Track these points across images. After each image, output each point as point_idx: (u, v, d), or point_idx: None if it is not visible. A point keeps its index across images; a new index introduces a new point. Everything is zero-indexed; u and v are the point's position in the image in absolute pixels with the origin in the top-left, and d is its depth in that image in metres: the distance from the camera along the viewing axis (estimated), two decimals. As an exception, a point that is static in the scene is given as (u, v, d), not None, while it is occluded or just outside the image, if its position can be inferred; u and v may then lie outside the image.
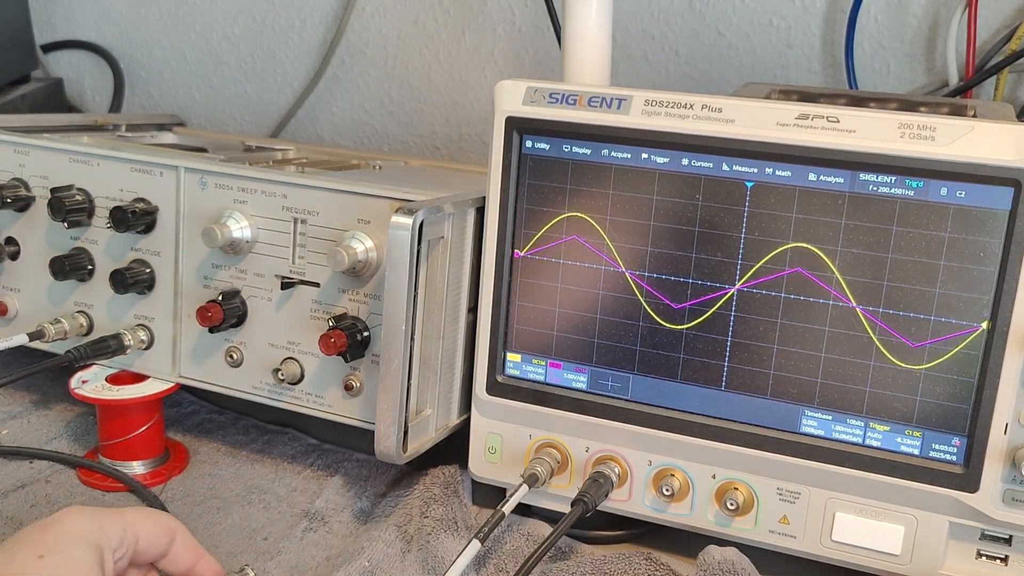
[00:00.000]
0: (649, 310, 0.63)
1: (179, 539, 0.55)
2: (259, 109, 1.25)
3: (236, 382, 0.73)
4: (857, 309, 0.58)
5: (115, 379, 0.75)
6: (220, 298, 0.71)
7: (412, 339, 0.63)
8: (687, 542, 0.66)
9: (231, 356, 0.73)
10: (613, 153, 0.62)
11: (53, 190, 0.75)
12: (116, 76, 1.30)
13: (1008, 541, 0.59)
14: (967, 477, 0.57)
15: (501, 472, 0.69)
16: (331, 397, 0.70)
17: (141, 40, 1.29)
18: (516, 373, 0.67)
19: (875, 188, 0.57)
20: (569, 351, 0.66)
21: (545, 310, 0.66)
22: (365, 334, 0.67)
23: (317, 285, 0.69)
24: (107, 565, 0.51)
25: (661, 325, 0.63)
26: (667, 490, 0.63)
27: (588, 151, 0.63)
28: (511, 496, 0.61)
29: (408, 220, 0.60)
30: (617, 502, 0.66)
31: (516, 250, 0.66)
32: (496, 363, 0.67)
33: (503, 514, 0.59)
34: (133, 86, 1.32)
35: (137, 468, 0.73)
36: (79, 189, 0.76)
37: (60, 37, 1.34)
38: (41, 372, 0.72)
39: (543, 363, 0.66)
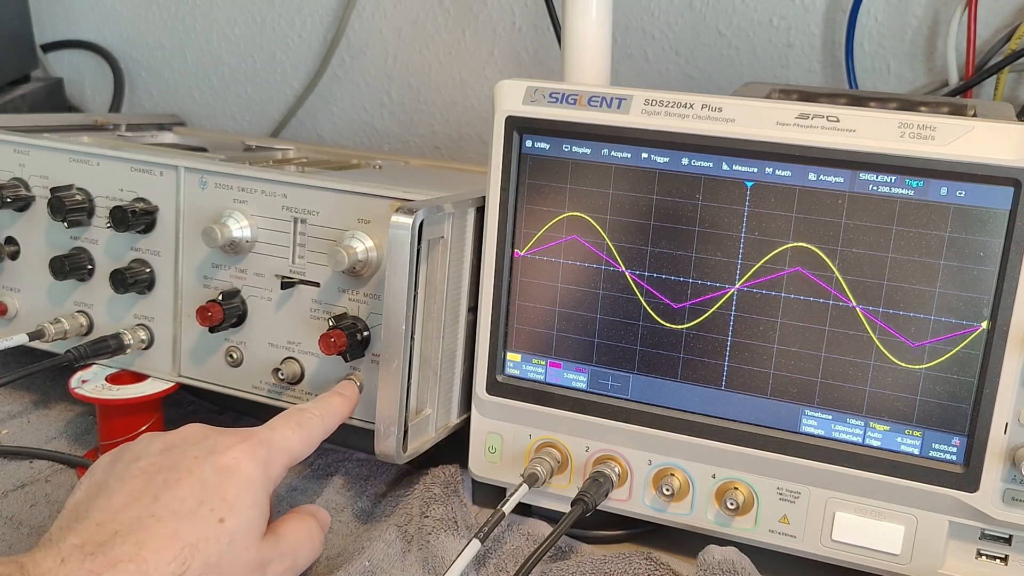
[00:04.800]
0: (649, 310, 0.63)
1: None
2: (259, 109, 1.25)
3: (236, 382, 0.73)
4: (857, 309, 0.58)
5: (115, 379, 0.76)
6: (220, 298, 0.71)
7: (412, 339, 0.63)
8: (687, 542, 0.66)
9: (231, 356, 0.73)
10: (613, 153, 0.62)
11: (53, 190, 0.75)
12: (116, 76, 1.30)
13: (1008, 541, 0.59)
14: (967, 477, 0.57)
15: (501, 472, 0.69)
16: (331, 397, 0.70)
17: (141, 40, 1.29)
18: (516, 373, 0.67)
19: (875, 188, 0.57)
20: (569, 351, 0.66)
21: (545, 310, 0.66)
22: (365, 334, 0.67)
23: (317, 285, 0.69)
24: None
25: (661, 325, 0.63)
26: (667, 490, 0.63)
27: (588, 151, 0.63)
28: (511, 496, 0.61)
29: (408, 220, 0.60)
30: (617, 502, 0.66)
31: (516, 250, 0.66)
32: (496, 363, 0.67)
33: (503, 514, 0.59)
34: (133, 86, 1.32)
35: (137, 468, 0.73)
36: (79, 189, 0.76)
37: (60, 37, 1.34)
38: (41, 372, 0.72)
39: (543, 363, 0.66)
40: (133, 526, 0.49)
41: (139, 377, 0.76)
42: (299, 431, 0.59)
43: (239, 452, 0.54)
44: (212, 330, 0.71)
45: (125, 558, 0.47)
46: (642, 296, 0.63)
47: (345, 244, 0.66)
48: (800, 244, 0.59)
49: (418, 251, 0.62)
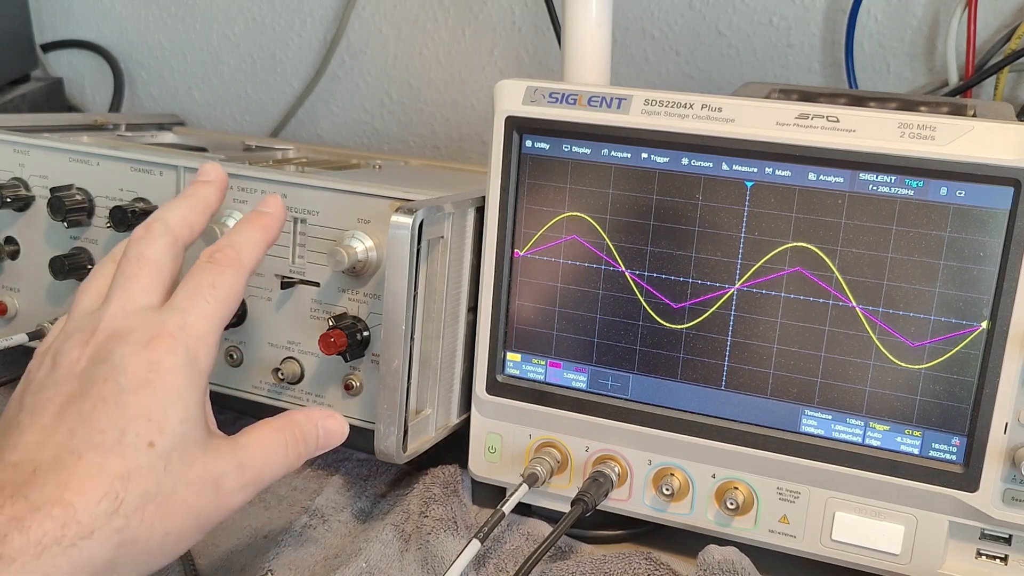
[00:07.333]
0: (649, 310, 0.63)
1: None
2: (259, 109, 1.25)
3: (236, 382, 0.73)
4: (857, 309, 0.58)
5: (115, 379, 0.75)
6: (220, 298, 0.71)
7: (412, 339, 0.63)
8: (687, 542, 0.66)
9: (231, 356, 0.73)
10: (613, 153, 0.62)
11: (53, 190, 0.75)
12: (116, 76, 1.30)
13: (1008, 541, 0.59)
14: (967, 477, 0.57)
15: (501, 472, 0.69)
16: (331, 397, 0.70)
17: (141, 40, 1.30)
18: (516, 373, 0.67)
19: (875, 188, 0.57)
20: (569, 351, 0.66)
21: (545, 310, 0.66)
22: (365, 334, 0.67)
23: (317, 285, 0.69)
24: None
25: (661, 325, 0.63)
26: (667, 490, 0.63)
27: (588, 151, 0.63)
28: (511, 496, 0.61)
29: (408, 220, 0.60)
30: (617, 502, 0.66)
31: (516, 250, 0.66)
32: (496, 363, 0.67)
33: (503, 514, 0.59)
34: (133, 86, 1.32)
35: (137, 468, 0.73)
36: (79, 189, 0.76)
37: (60, 37, 1.34)
38: (41, 372, 0.72)
39: (543, 363, 0.66)
40: (53, 464, 0.44)
41: (139, 377, 0.76)
42: (215, 292, 0.49)
43: (152, 358, 0.46)
44: (212, 330, 0.71)
45: (49, 501, 0.42)
46: (642, 296, 0.63)
47: (345, 244, 0.66)
48: (800, 244, 0.59)
49: (418, 251, 0.62)
